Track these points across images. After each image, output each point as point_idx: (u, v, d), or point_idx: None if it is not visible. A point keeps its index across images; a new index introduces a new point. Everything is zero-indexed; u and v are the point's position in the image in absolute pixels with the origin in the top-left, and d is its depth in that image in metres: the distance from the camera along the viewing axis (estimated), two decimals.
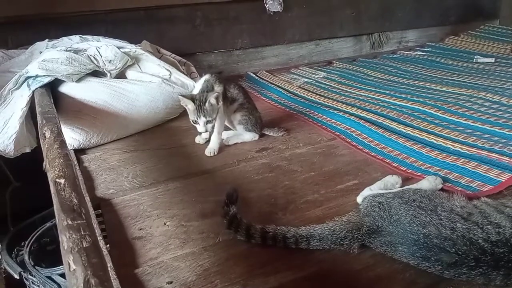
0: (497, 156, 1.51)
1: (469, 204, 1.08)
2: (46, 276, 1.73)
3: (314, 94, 2.43)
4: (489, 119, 1.87)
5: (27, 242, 1.88)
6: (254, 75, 2.90)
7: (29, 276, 1.78)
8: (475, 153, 1.55)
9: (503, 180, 1.35)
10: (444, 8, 3.70)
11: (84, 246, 0.69)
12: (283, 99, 2.38)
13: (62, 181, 0.92)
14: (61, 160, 1.02)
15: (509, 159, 1.48)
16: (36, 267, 1.77)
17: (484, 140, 1.66)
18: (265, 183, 1.47)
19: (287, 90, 2.55)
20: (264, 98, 2.45)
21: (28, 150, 1.76)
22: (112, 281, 0.98)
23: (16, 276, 1.80)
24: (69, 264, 0.67)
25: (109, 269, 1.01)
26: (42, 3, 2.33)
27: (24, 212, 2.06)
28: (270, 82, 2.73)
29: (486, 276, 0.92)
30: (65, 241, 0.72)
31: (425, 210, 1.02)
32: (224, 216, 1.18)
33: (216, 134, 1.70)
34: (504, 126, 1.78)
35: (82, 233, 0.73)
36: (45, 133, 1.24)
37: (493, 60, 2.90)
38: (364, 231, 1.06)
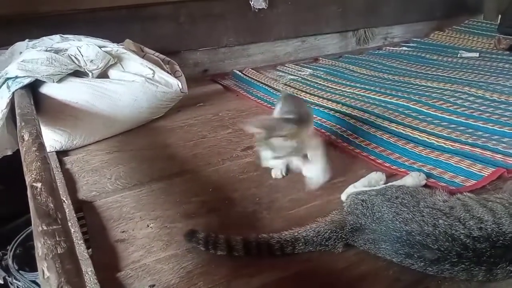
0: (480, 150, 1.52)
1: (451, 198, 1.09)
2: (31, 280, 1.71)
3: (300, 91, 2.43)
4: (472, 114, 1.88)
5: (11, 246, 1.85)
6: (240, 73, 2.88)
7: (14, 281, 1.75)
8: (458, 148, 1.55)
9: (486, 175, 1.36)
10: (429, 3, 3.72)
11: (59, 252, 0.68)
12: (269, 97, 2.37)
13: (38, 185, 0.90)
14: (39, 164, 1.01)
15: (492, 154, 1.49)
16: (21, 271, 1.75)
17: (467, 135, 1.67)
18: (249, 182, 1.46)
19: (273, 87, 2.54)
20: (250, 96, 2.44)
21: (9, 153, 1.73)
22: (93, 285, 0.97)
23: (0, 281, 1.77)
24: (43, 271, 0.65)
25: (90, 273, 1.00)
26: (22, 2, 2.29)
27: (8, 216, 2.03)
28: (256, 80, 2.72)
29: (469, 272, 0.92)
30: (40, 247, 0.70)
31: (407, 207, 1.02)
32: (197, 244, 1.09)
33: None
34: (488, 120, 1.79)
35: (57, 239, 0.71)
36: (23, 136, 1.21)
37: (477, 55, 2.93)
38: (347, 229, 1.06)
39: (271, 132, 1.24)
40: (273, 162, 1.35)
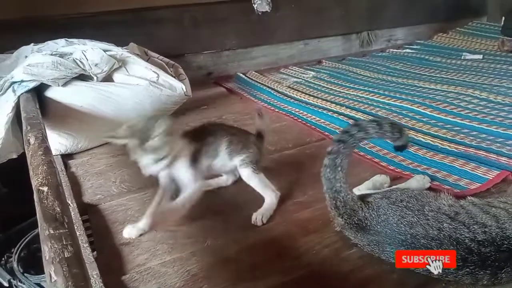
0: (484, 153, 1.51)
1: (456, 204, 1.09)
2: (35, 283, 1.72)
3: (304, 94, 2.43)
4: (476, 117, 1.88)
5: (16, 249, 1.86)
6: (243, 76, 2.89)
7: (19, 283, 1.76)
8: (462, 151, 1.55)
9: (491, 178, 1.35)
10: (432, 5, 3.72)
11: (66, 256, 0.68)
12: (273, 100, 2.38)
13: (45, 189, 0.90)
14: (45, 167, 1.01)
15: (496, 157, 1.49)
16: (25, 274, 1.76)
17: (471, 138, 1.67)
18: None
19: (276, 90, 2.55)
20: (253, 98, 2.44)
21: (14, 156, 1.74)
22: None
23: (5, 284, 1.78)
24: (50, 275, 0.66)
25: (95, 276, 1.00)
26: (27, 7, 2.31)
27: (13, 219, 2.04)
28: (260, 83, 2.73)
29: (474, 275, 0.92)
30: (47, 251, 0.71)
31: (412, 211, 1.02)
32: None
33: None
34: (492, 123, 1.79)
35: (64, 243, 0.72)
36: (29, 140, 1.22)
37: (481, 57, 2.92)
38: (354, 220, 1.06)
39: (144, 135, 1.10)
40: (157, 166, 1.14)
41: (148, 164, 1.12)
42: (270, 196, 1.30)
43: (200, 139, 1.25)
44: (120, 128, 1.15)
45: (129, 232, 1.21)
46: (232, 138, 1.30)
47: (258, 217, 1.25)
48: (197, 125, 1.35)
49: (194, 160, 1.22)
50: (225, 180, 1.45)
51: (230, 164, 1.31)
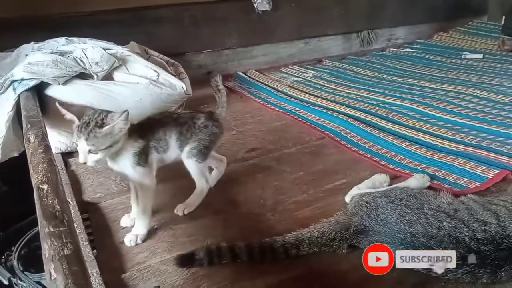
0: (484, 152, 1.52)
1: (455, 201, 1.09)
2: (35, 281, 1.72)
3: (304, 93, 2.43)
4: (476, 116, 1.88)
5: (16, 247, 1.86)
6: (243, 75, 2.88)
7: (19, 282, 1.76)
8: (462, 150, 1.55)
9: (490, 177, 1.36)
10: (432, 4, 3.71)
11: (66, 254, 0.68)
12: (273, 99, 2.38)
13: (45, 187, 0.90)
14: (45, 166, 1.01)
15: (496, 156, 1.49)
16: (25, 272, 1.76)
17: (471, 137, 1.67)
18: (254, 184, 1.46)
19: (276, 89, 2.54)
20: (254, 97, 2.44)
21: (15, 155, 1.74)
22: (99, 287, 0.98)
23: (5, 282, 1.78)
24: (50, 272, 0.66)
25: (95, 274, 1.01)
26: (27, 6, 2.30)
27: (13, 217, 2.04)
28: (260, 82, 2.72)
29: (473, 274, 0.92)
30: (47, 248, 0.71)
31: (411, 209, 1.02)
32: (201, 266, 1.06)
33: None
34: (492, 122, 1.79)
35: (64, 241, 0.72)
36: (29, 138, 1.22)
37: (481, 56, 2.92)
38: (352, 231, 1.06)
39: (90, 122, 1.08)
40: (91, 157, 1.10)
41: (83, 151, 1.09)
42: (200, 186, 1.31)
43: (149, 134, 1.22)
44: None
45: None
46: (181, 129, 1.26)
47: (180, 208, 1.28)
48: (145, 119, 1.29)
49: (144, 157, 1.19)
50: (217, 173, 1.45)
51: (182, 154, 1.29)
